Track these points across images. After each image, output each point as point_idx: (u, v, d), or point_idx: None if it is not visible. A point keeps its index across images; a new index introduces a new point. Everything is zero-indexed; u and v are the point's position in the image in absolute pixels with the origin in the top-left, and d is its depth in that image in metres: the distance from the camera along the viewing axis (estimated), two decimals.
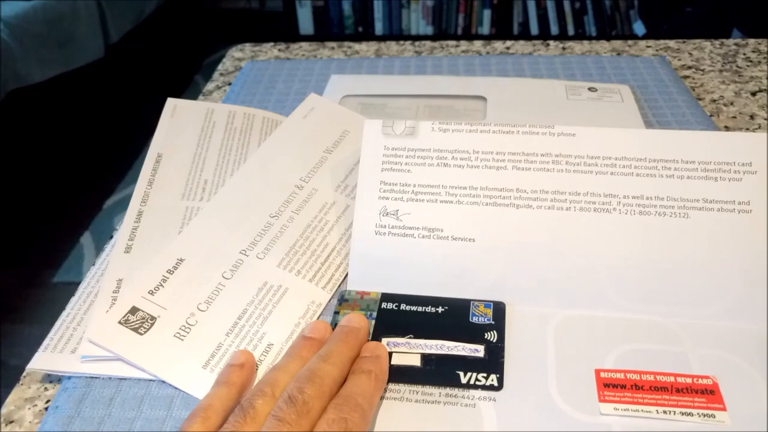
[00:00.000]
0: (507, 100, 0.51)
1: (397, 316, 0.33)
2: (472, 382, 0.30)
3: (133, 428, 0.29)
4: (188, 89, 2.02)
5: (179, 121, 0.47)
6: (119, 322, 0.33)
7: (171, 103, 0.48)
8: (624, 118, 0.48)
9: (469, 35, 1.99)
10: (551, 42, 0.64)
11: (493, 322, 0.33)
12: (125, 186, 1.62)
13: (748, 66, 0.58)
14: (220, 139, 0.46)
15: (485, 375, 0.30)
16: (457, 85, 0.54)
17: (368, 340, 0.32)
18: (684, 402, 0.28)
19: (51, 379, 0.33)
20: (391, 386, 0.30)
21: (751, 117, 0.51)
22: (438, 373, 0.30)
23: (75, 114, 1.66)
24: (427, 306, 0.34)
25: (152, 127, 0.45)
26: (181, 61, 2.15)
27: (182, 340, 0.32)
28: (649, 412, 0.28)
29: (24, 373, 0.33)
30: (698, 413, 0.28)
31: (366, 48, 0.66)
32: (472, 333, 0.32)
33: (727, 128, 0.49)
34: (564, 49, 0.63)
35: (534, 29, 1.98)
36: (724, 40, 0.63)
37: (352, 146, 0.44)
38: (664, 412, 0.28)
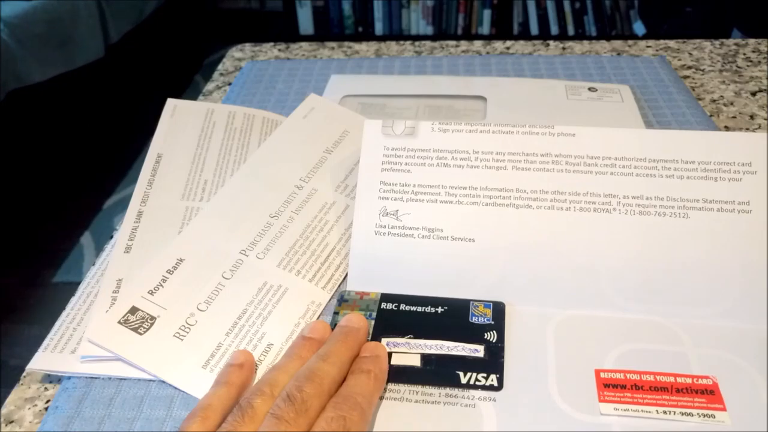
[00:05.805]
0: (507, 100, 0.51)
1: (396, 317, 0.33)
2: (472, 382, 0.30)
3: (133, 428, 0.29)
4: (188, 89, 2.02)
5: (179, 121, 0.47)
6: (119, 322, 0.33)
7: (171, 103, 0.48)
8: (624, 118, 0.48)
9: (469, 35, 1.99)
10: (551, 42, 0.64)
11: (492, 322, 0.33)
12: (125, 186, 1.62)
13: (748, 66, 0.58)
14: (220, 140, 0.46)
15: (485, 375, 0.30)
16: (457, 85, 0.54)
17: (368, 341, 0.32)
18: (684, 402, 0.28)
19: (51, 379, 0.33)
20: (391, 386, 0.30)
21: (751, 117, 0.51)
22: (438, 373, 0.30)
23: (75, 114, 1.66)
24: (427, 306, 0.34)
25: (152, 127, 0.45)
26: (181, 61, 2.15)
27: (182, 340, 0.32)
28: (649, 412, 0.28)
29: (24, 373, 0.33)
30: (698, 413, 0.28)
31: (366, 48, 0.66)
32: (471, 333, 0.32)
33: (727, 128, 0.49)
34: (564, 49, 0.63)
35: (534, 29, 1.98)
36: (724, 40, 0.63)
37: (352, 146, 0.44)
38: (664, 412, 0.28)
